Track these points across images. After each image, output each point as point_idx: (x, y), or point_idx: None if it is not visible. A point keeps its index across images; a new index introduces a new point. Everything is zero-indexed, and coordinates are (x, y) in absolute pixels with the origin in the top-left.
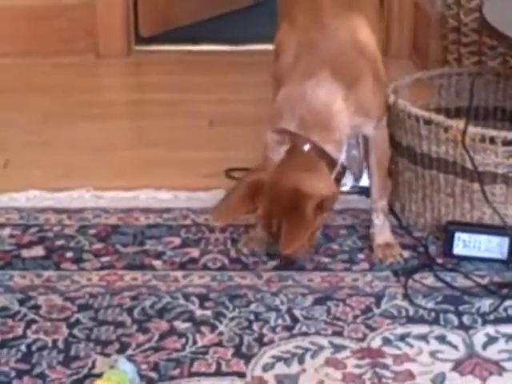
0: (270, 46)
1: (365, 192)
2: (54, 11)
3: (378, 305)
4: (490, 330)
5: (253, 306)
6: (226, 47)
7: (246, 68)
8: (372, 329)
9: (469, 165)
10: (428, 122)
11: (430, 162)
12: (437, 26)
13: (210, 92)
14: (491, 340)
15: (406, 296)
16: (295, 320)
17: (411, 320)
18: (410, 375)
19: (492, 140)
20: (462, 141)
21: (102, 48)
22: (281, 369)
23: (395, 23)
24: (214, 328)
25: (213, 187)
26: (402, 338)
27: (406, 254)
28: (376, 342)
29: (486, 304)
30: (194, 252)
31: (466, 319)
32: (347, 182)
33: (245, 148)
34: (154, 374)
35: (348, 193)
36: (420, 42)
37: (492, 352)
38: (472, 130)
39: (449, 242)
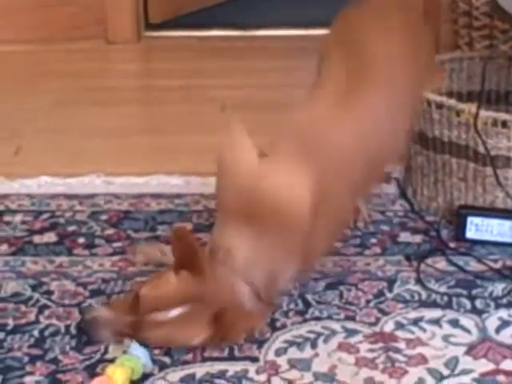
0: (280, 32)
1: None
2: None
3: (390, 289)
4: (503, 313)
5: None
6: (237, 32)
7: (256, 53)
8: (384, 313)
9: (481, 149)
10: (440, 106)
11: (441, 146)
12: (447, 10)
13: (221, 77)
14: (504, 324)
15: (418, 280)
16: (308, 305)
17: (424, 304)
18: (423, 359)
19: (504, 124)
20: (475, 125)
21: (111, 34)
22: (294, 353)
23: None
24: None
25: None
26: (415, 322)
27: (418, 238)
28: (389, 326)
29: (498, 288)
30: (206, 238)
31: (478, 303)
32: None
33: (257, 133)
34: (166, 359)
35: None
36: (431, 27)
37: (505, 336)
38: (484, 113)
39: (461, 226)
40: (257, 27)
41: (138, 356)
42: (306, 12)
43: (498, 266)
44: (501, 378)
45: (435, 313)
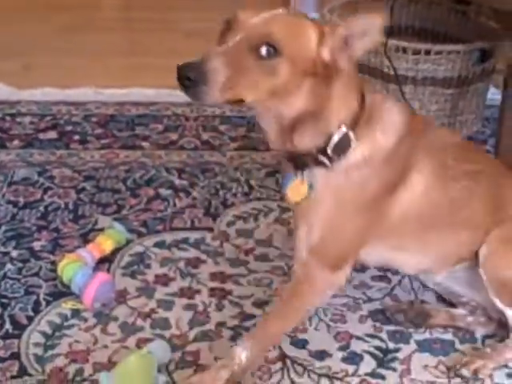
0: None
1: None
2: None
3: None
4: None
5: (219, 178)
6: None
7: None
8: None
9: (386, 69)
10: None
11: (360, 66)
12: None
13: (187, 10)
14: None
15: None
16: (251, 188)
17: None
18: None
19: (404, 50)
20: (385, 51)
21: None
22: (240, 225)
23: None
24: (189, 194)
25: None
26: None
27: None
28: None
29: None
30: (174, 136)
31: None
32: None
33: None
34: (143, 229)
35: None
36: None
37: None
38: (390, 42)
39: None
40: None
41: (122, 230)
42: None
43: None
44: None
45: None
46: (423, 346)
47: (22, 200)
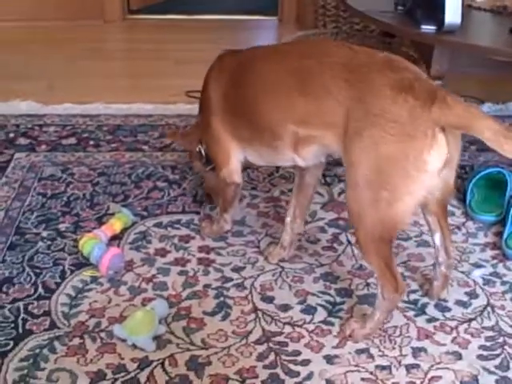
0: (215, 16)
1: None
2: None
3: (277, 170)
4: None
5: None
6: (185, 16)
7: (199, 30)
8: (274, 185)
9: None
10: None
11: None
12: (311, 4)
13: (176, 43)
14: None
15: None
16: None
17: None
18: None
19: None
20: None
21: (107, 16)
22: None
23: (286, 2)
24: (180, 185)
25: (178, 102)
26: None
27: None
28: (276, 193)
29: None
30: (167, 141)
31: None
32: None
33: (199, 78)
34: (145, 213)
35: None
36: (301, 14)
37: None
38: None
39: None
40: (199, 13)
41: (128, 213)
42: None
43: None
44: (341, 222)
45: None
46: (362, 299)
47: (49, 192)
